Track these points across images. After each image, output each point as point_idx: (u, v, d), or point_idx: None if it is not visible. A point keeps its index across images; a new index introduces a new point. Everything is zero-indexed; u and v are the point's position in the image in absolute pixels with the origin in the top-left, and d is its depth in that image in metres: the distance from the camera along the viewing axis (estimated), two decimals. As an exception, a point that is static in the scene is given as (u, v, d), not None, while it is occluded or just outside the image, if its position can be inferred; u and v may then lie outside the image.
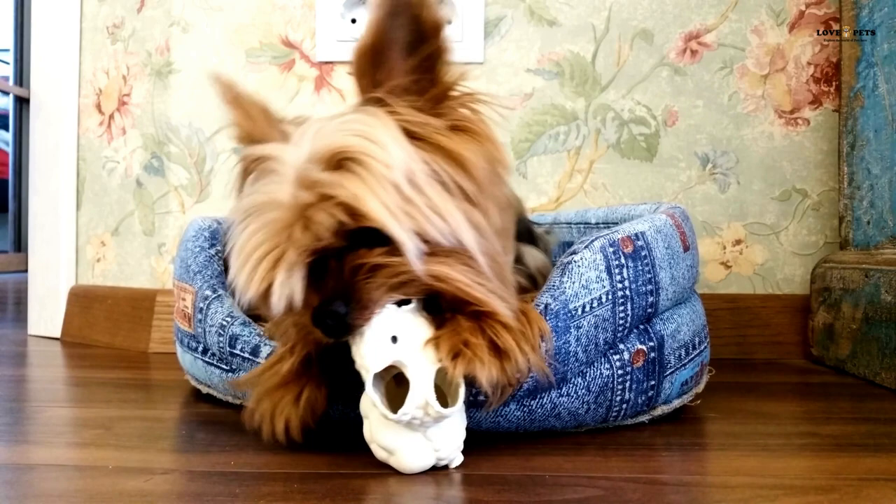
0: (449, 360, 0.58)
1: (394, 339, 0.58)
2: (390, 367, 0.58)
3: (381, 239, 0.57)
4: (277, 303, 0.57)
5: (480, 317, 0.60)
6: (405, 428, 0.58)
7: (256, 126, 0.65)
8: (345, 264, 0.58)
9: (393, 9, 0.59)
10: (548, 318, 0.67)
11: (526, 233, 0.81)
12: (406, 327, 0.59)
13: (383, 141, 0.58)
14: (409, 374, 0.57)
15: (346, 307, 0.57)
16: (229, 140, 1.28)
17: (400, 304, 0.60)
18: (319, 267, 0.59)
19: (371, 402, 0.58)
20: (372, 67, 0.61)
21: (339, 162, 0.57)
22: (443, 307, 0.61)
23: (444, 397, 0.61)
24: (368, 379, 0.58)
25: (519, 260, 0.75)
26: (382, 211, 0.56)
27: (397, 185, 0.56)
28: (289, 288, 0.57)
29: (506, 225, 0.65)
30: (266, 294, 0.58)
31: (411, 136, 0.59)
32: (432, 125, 0.60)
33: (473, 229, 0.59)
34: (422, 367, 0.58)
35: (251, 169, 0.64)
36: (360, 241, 0.58)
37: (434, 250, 0.58)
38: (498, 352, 0.60)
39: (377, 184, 0.56)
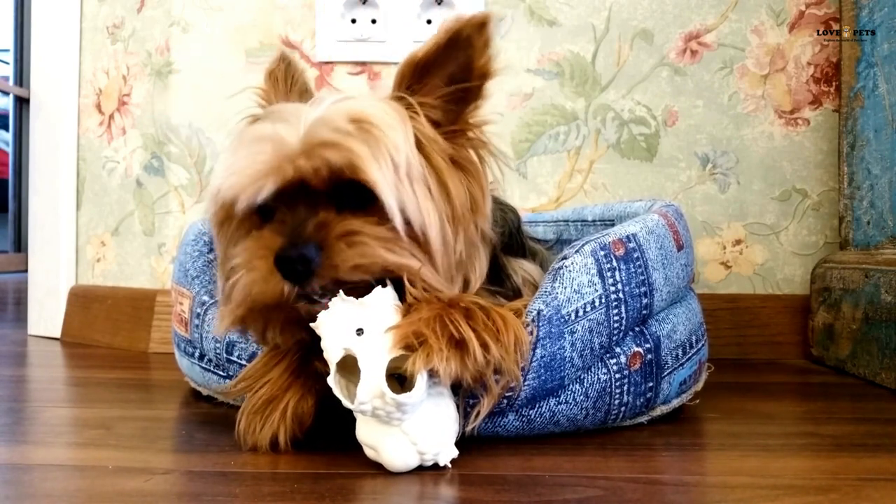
0: (402, 349, 0.58)
1: (359, 331, 0.59)
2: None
3: (355, 205, 0.61)
4: (255, 195, 0.60)
5: (446, 305, 0.61)
6: (381, 423, 0.59)
7: (279, 96, 0.71)
8: (321, 217, 0.60)
9: (454, 41, 0.63)
10: (540, 324, 0.67)
11: (519, 246, 0.81)
12: (373, 319, 0.60)
13: (397, 128, 0.62)
14: (360, 363, 0.58)
15: (316, 253, 0.59)
16: (230, 138, 1.28)
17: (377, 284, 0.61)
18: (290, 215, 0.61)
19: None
20: (413, 78, 0.65)
21: (354, 124, 0.61)
22: (411, 294, 0.62)
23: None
24: (332, 370, 0.59)
25: (498, 275, 0.74)
26: (381, 177, 0.59)
27: (397, 166, 0.61)
28: (270, 190, 0.60)
29: (464, 259, 0.66)
30: (245, 191, 0.60)
31: (418, 144, 0.63)
32: (439, 145, 0.64)
33: (441, 235, 0.63)
34: (372, 355, 0.58)
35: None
36: (336, 199, 0.61)
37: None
38: (457, 343, 0.59)
39: (382, 154, 0.60)
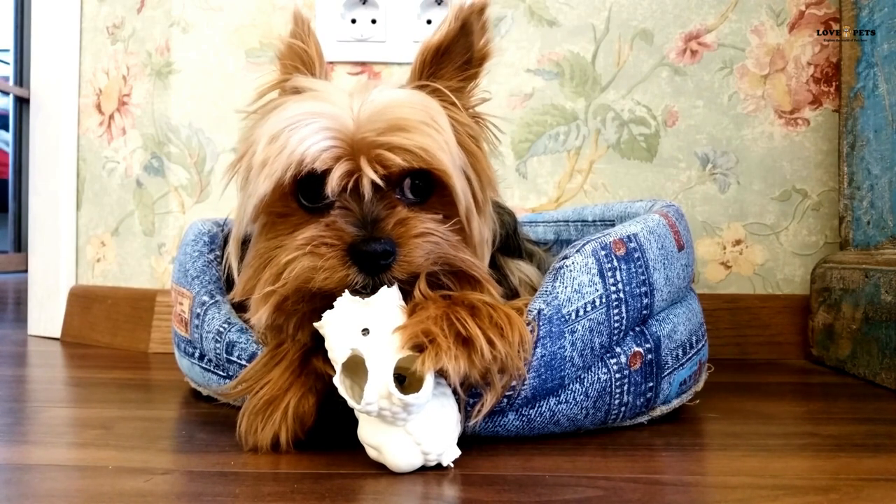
0: (410, 349, 0.58)
1: (365, 331, 0.59)
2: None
3: (415, 194, 0.64)
4: (333, 184, 0.60)
5: (451, 303, 0.61)
6: (385, 423, 0.59)
7: (312, 61, 0.71)
8: (399, 214, 0.61)
9: (464, 28, 0.68)
10: (541, 323, 0.67)
11: (516, 248, 0.81)
12: (379, 319, 0.59)
13: (445, 119, 0.65)
14: (367, 363, 0.58)
15: (394, 249, 0.60)
16: (230, 138, 1.28)
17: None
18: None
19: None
20: (435, 62, 0.68)
21: (424, 113, 0.62)
22: (419, 291, 0.62)
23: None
24: (338, 370, 0.59)
25: (496, 275, 0.74)
26: (452, 167, 0.62)
27: (452, 157, 0.63)
28: (347, 179, 0.60)
29: (485, 238, 0.69)
30: (303, 172, 0.60)
31: (455, 132, 0.66)
32: (474, 133, 0.68)
33: (477, 221, 0.66)
34: (379, 355, 0.58)
35: (282, 91, 0.69)
36: (398, 187, 0.63)
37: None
38: (465, 341, 0.60)
39: (447, 146, 0.63)
